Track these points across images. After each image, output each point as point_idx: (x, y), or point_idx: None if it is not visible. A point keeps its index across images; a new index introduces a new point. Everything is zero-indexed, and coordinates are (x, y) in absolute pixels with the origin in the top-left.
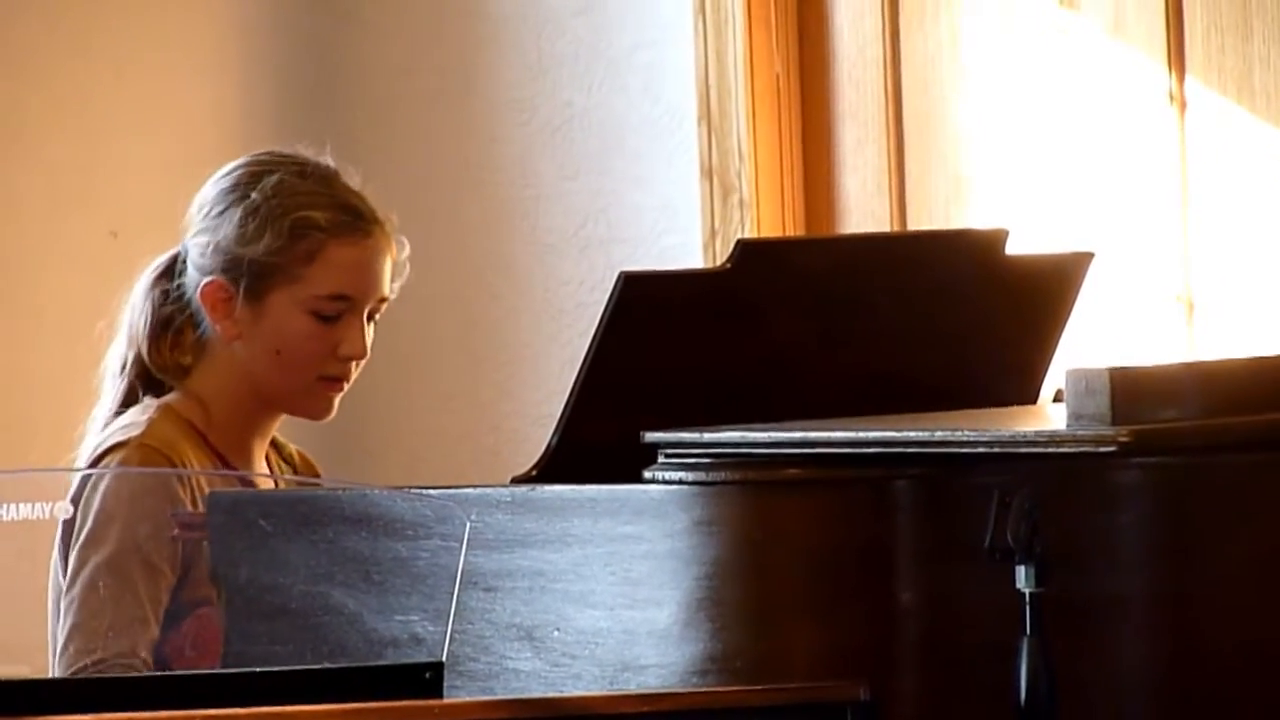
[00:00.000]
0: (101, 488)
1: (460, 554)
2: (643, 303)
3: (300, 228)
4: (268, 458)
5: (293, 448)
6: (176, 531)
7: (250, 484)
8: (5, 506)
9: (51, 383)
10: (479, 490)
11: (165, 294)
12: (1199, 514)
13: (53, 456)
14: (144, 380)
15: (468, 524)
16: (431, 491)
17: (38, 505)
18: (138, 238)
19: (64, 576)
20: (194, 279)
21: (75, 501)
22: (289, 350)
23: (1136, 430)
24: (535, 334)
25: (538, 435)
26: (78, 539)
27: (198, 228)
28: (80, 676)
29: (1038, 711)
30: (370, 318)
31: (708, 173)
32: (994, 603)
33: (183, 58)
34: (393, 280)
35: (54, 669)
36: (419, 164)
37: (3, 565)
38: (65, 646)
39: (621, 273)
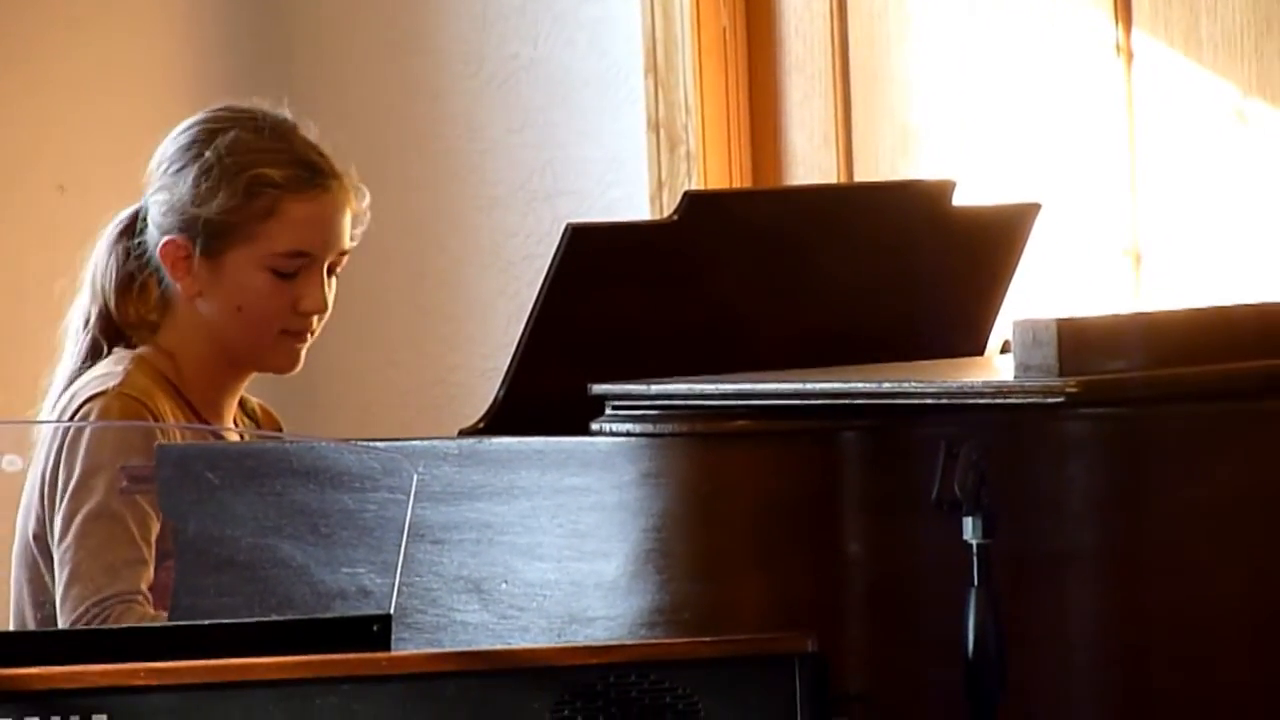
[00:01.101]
0: (84, 438)
1: (408, 506)
2: (589, 255)
3: (256, 185)
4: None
5: (255, 401)
6: (125, 484)
7: (223, 439)
8: None
9: None
10: (426, 442)
11: (128, 251)
12: (1146, 465)
13: (2, 411)
14: (109, 335)
15: (415, 476)
16: (379, 444)
17: None
18: (85, 192)
19: (50, 530)
20: (154, 236)
21: (57, 454)
22: (249, 307)
23: (1084, 381)
24: (482, 287)
25: (485, 387)
26: (64, 491)
27: (157, 184)
28: (26, 631)
29: (986, 662)
30: (331, 271)
31: (654, 125)
32: (942, 554)
33: (131, 12)
34: (354, 228)
35: (59, 616)
36: (365, 117)
37: None
38: (66, 593)
39: (568, 225)
